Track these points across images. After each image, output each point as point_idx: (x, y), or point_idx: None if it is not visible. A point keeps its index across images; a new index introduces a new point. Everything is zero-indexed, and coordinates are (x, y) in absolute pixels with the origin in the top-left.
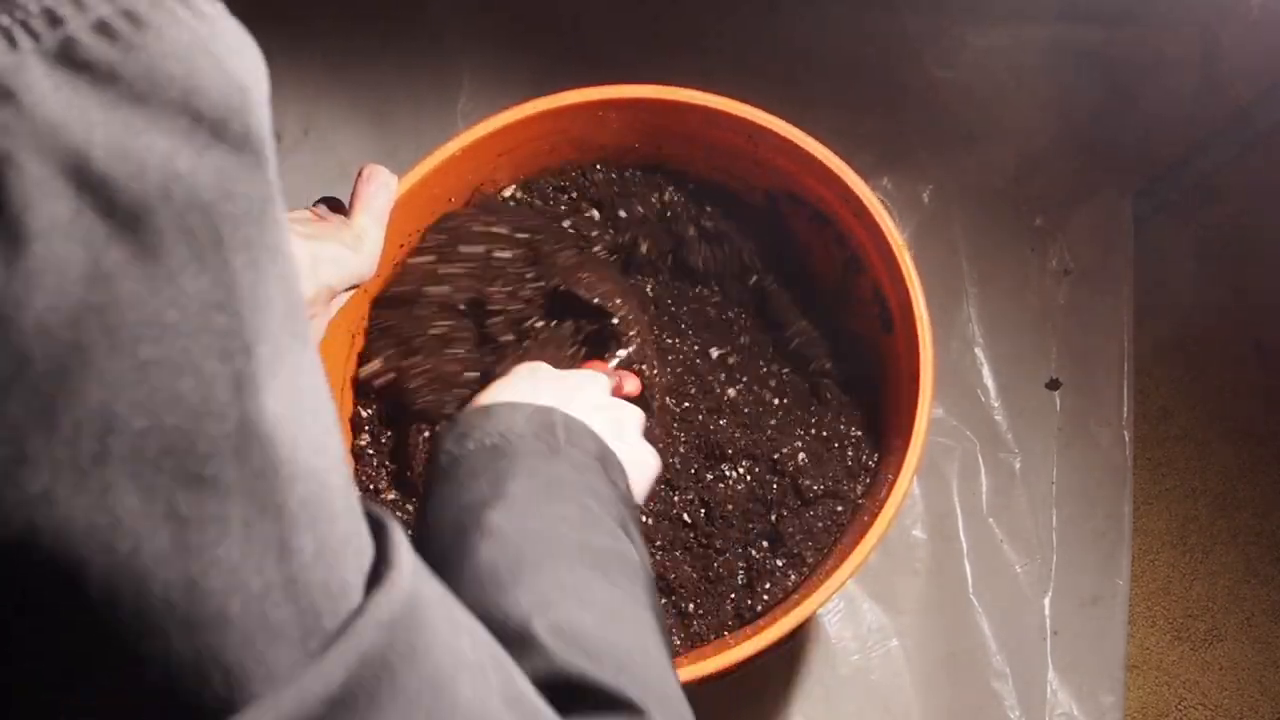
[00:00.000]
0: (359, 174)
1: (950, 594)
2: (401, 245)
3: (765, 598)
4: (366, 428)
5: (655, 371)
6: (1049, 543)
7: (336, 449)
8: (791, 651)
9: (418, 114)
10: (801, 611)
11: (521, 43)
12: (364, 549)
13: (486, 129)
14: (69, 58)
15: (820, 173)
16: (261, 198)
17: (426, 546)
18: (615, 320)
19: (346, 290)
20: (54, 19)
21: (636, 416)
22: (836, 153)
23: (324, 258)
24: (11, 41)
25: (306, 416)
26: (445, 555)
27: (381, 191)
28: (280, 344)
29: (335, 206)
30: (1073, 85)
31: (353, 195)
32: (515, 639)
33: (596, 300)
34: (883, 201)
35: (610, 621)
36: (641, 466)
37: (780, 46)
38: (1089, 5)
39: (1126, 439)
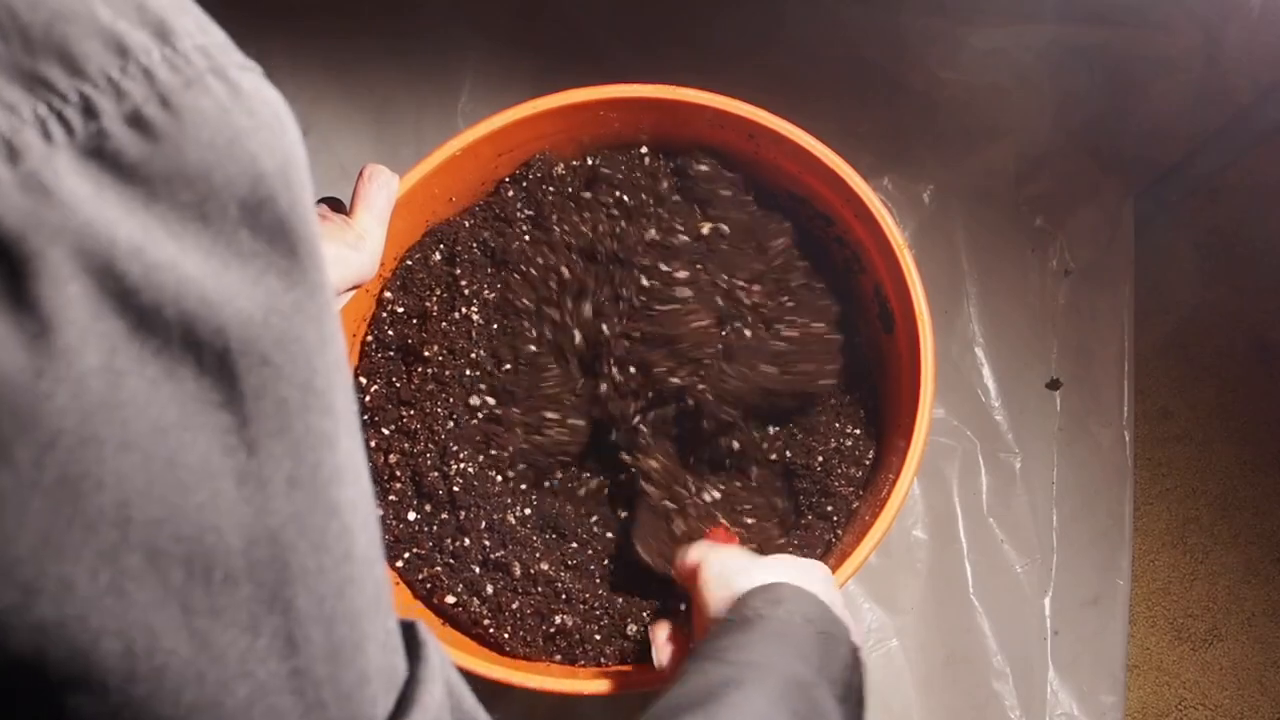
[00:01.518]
0: (360, 174)
1: (950, 594)
2: (402, 245)
3: None
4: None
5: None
6: (1049, 543)
7: (365, 549)
8: None
9: (419, 114)
10: None
11: (523, 43)
12: (395, 666)
13: (487, 129)
14: (99, 152)
15: (821, 172)
16: (292, 310)
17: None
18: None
19: (348, 290)
20: (90, 110)
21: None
22: (837, 152)
23: (325, 257)
24: (47, 135)
25: (321, 515)
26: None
27: (383, 191)
28: (301, 443)
29: (336, 206)
30: (1073, 85)
31: (354, 195)
32: None
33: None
34: (883, 201)
35: None
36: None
37: (781, 46)
38: (1089, 5)
39: (1127, 439)
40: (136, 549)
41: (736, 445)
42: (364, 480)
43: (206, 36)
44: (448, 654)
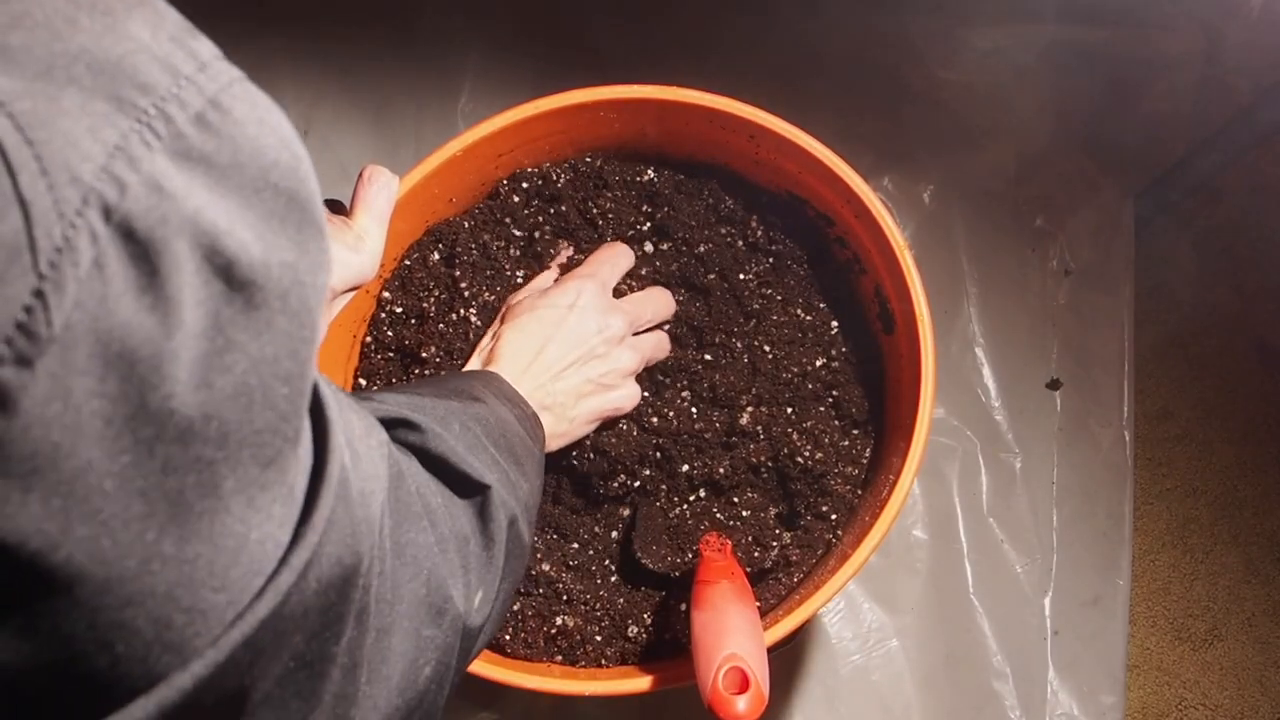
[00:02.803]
0: (360, 175)
1: (951, 594)
2: (402, 245)
3: (766, 597)
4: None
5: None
6: (1049, 543)
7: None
8: (792, 652)
9: (419, 114)
10: (802, 612)
11: (523, 43)
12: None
13: (488, 129)
14: (182, 152)
15: (821, 173)
16: (318, 265)
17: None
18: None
19: (348, 291)
20: (168, 118)
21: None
22: (837, 153)
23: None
24: (146, 143)
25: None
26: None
27: (382, 192)
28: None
29: (336, 208)
30: (1073, 85)
31: (354, 196)
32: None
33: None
34: (883, 202)
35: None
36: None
37: (781, 47)
38: (1089, 5)
39: (1127, 439)
40: (229, 458)
41: (723, 470)
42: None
43: (215, 51)
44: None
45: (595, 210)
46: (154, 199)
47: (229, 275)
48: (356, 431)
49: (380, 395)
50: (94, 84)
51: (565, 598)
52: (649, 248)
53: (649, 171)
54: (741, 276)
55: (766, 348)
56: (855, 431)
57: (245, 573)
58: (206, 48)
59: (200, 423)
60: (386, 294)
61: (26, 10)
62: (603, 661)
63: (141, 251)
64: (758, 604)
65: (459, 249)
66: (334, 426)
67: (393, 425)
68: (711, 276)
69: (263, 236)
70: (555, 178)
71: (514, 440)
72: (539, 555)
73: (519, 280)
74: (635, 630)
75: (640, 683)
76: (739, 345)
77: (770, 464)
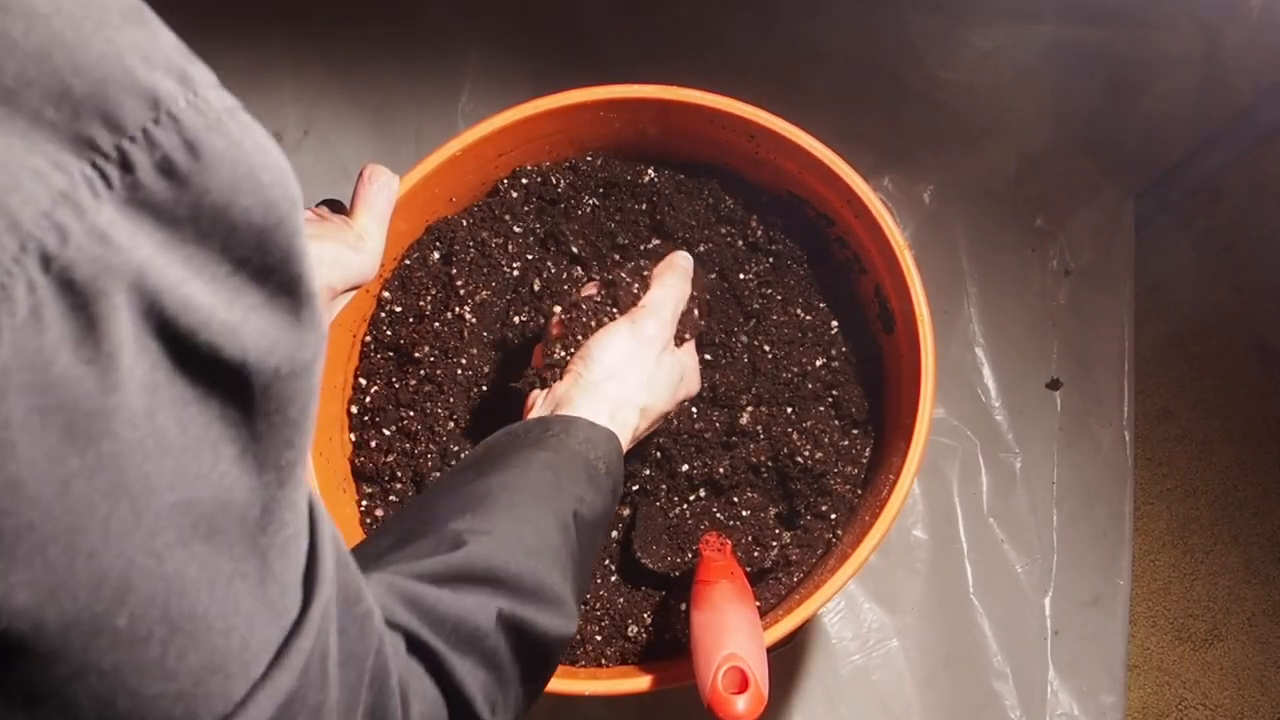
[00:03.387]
0: (360, 174)
1: (951, 594)
2: (402, 245)
3: (766, 597)
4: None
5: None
6: (1050, 543)
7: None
8: (792, 652)
9: (419, 114)
10: (802, 612)
11: (523, 43)
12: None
13: (488, 129)
14: (135, 200)
15: (821, 172)
16: (295, 343)
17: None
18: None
19: (348, 290)
20: (126, 164)
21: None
22: (837, 153)
23: (326, 258)
24: (95, 192)
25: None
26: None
27: (383, 192)
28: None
29: (337, 208)
30: (1073, 85)
31: (354, 196)
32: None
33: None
34: (883, 202)
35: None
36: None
37: (781, 46)
38: (1089, 5)
39: (1127, 439)
40: (168, 524)
41: (722, 469)
42: (306, 484)
43: (209, 75)
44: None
45: (595, 209)
46: (97, 249)
47: (171, 333)
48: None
49: (404, 584)
50: (55, 116)
51: None
52: (649, 247)
53: (649, 171)
54: (741, 276)
55: (766, 347)
56: (855, 431)
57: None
58: (201, 74)
59: None
60: (386, 293)
61: (3, 28)
62: (602, 661)
63: (80, 303)
64: (758, 604)
65: (457, 247)
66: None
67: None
68: (712, 276)
69: (218, 294)
70: (555, 177)
71: (588, 519)
72: None
73: (514, 276)
74: (635, 630)
75: (640, 682)
76: (739, 345)
77: (770, 464)
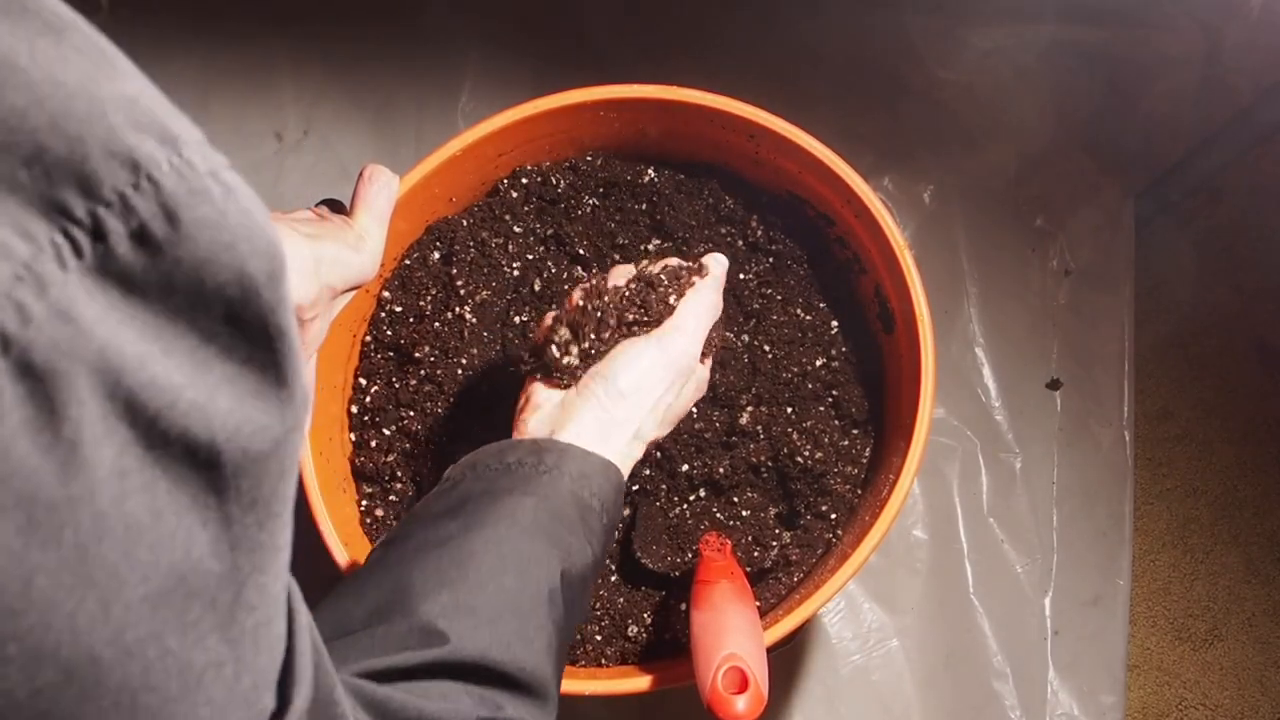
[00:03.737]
0: (360, 174)
1: (951, 594)
2: (402, 244)
3: (766, 597)
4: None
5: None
6: (1050, 543)
7: (277, 625)
8: (792, 652)
9: (419, 114)
10: (802, 612)
11: (523, 43)
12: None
13: (488, 129)
14: (105, 271)
15: (821, 172)
16: (270, 423)
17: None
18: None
19: (348, 291)
20: (99, 232)
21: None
22: (837, 153)
23: (326, 258)
24: (62, 262)
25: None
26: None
27: (383, 192)
28: (265, 547)
29: (336, 208)
30: (1073, 85)
31: (354, 195)
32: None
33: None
34: (883, 201)
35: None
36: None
37: (781, 46)
38: (1090, 5)
39: (1127, 439)
40: (138, 617)
41: (722, 470)
42: (285, 574)
43: (195, 133)
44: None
45: (595, 209)
46: (60, 330)
47: (138, 413)
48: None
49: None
50: (27, 179)
51: None
52: (649, 247)
53: (649, 171)
54: (741, 276)
55: (766, 347)
56: (855, 431)
57: None
58: (186, 133)
59: None
60: (387, 293)
61: None
62: (602, 661)
63: (39, 387)
64: (758, 604)
65: (457, 246)
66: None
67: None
68: None
69: (186, 369)
70: (555, 177)
71: (580, 575)
72: None
73: (515, 276)
74: (635, 630)
75: (640, 682)
76: (739, 345)
77: (770, 464)
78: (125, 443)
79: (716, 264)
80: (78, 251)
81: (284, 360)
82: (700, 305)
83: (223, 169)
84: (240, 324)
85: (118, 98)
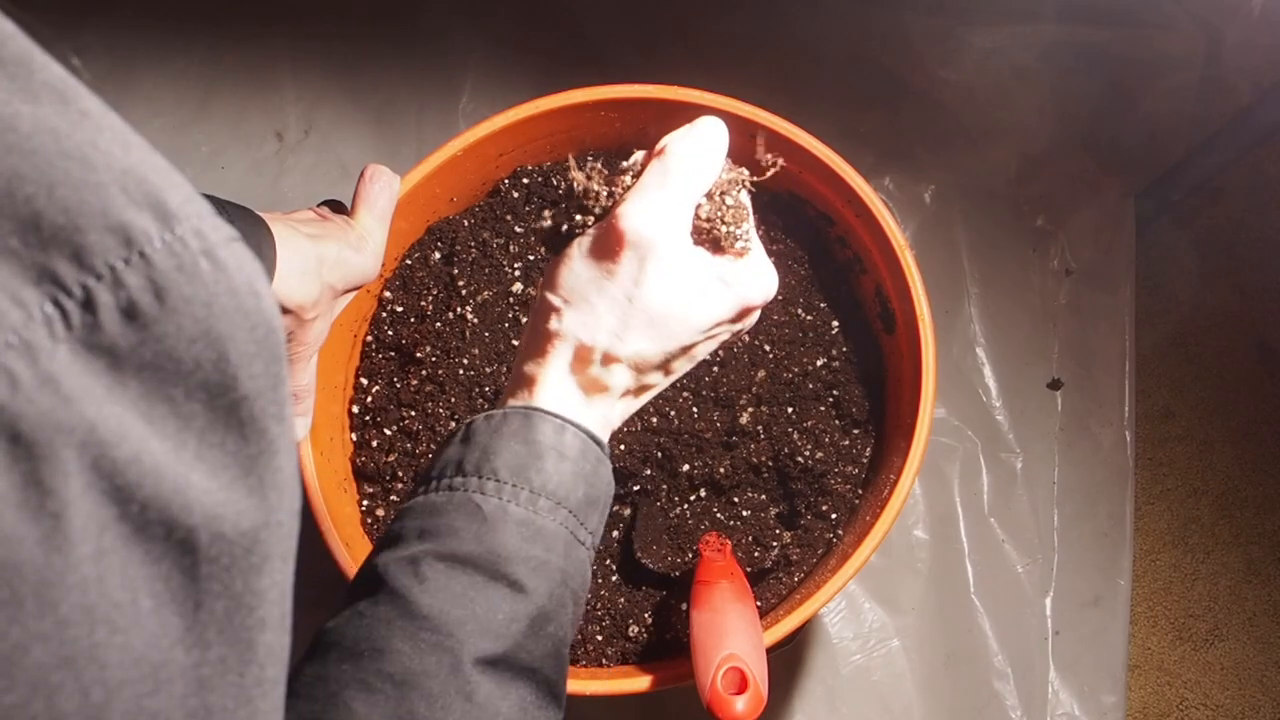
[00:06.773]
0: (361, 174)
1: (951, 594)
2: (403, 244)
3: (767, 597)
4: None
5: None
6: (1050, 543)
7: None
8: (793, 652)
9: (420, 114)
10: (803, 612)
11: (524, 43)
12: None
13: (488, 129)
14: (92, 343)
15: (822, 172)
16: (249, 508)
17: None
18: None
19: (350, 290)
20: (89, 304)
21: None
22: (838, 152)
23: (328, 258)
24: (52, 333)
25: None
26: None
27: (384, 192)
28: (239, 636)
29: (338, 208)
30: (1074, 85)
31: (355, 196)
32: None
33: None
34: (884, 201)
35: None
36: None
37: (781, 46)
38: (1090, 5)
39: (1128, 439)
40: (117, 709)
41: (722, 470)
42: (278, 666)
43: (194, 206)
44: None
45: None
46: (47, 400)
47: (119, 490)
48: None
49: None
50: (21, 246)
51: None
52: None
53: None
54: None
55: (767, 347)
56: (856, 431)
57: None
58: (185, 207)
59: None
60: (388, 293)
61: None
62: (603, 661)
63: (25, 455)
64: (758, 604)
65: (458, 247)
66: None
67: None
68: None
69: (168, 447)
70: (556, 178)
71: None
72: None
73: (516, 276)
74: (635, 630)
75: (640, 683)
76: (739, 345)
77: (771, 463)
78: (107, 520)
79: (705, 121)
80: (68, 322)
81: (266, 442)
82: (674, 157)
83: (219, 246)
84: (222, 402)
85: (116, 168)
